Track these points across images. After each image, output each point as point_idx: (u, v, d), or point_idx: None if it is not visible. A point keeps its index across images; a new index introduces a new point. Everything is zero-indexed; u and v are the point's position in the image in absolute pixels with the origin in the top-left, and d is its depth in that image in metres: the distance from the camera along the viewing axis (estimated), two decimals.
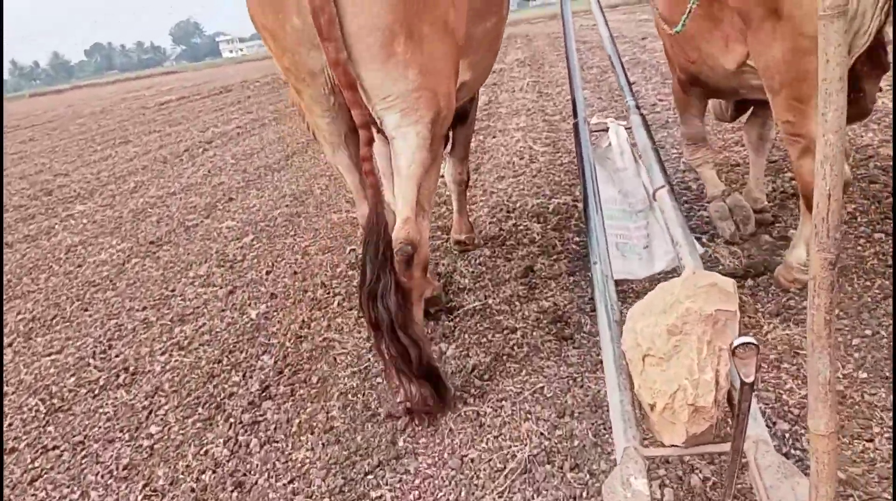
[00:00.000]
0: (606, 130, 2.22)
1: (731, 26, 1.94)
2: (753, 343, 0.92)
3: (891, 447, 1.54)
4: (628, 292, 2.45)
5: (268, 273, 3.40)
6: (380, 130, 1.87)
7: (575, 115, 2.22)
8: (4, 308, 3.47)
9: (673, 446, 1.18)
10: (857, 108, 2.20)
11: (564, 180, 3.98)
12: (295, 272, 3.37)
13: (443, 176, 2.73)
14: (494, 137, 5.67)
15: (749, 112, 2.86)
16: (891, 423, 1.62)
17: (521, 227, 3.40)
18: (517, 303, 2.61)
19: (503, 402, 2.01)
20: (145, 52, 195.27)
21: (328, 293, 3.02)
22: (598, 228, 1.75)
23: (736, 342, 0.92)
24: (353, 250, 3.40)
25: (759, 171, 2.89)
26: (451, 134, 2.85)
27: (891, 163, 3.18)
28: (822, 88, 0.87)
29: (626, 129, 2.21)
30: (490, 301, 2.67)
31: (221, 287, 3.30)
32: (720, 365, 1.15)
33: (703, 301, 1.17)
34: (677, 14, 2.11)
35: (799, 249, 2.16)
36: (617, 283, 1.64)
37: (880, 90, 2.29)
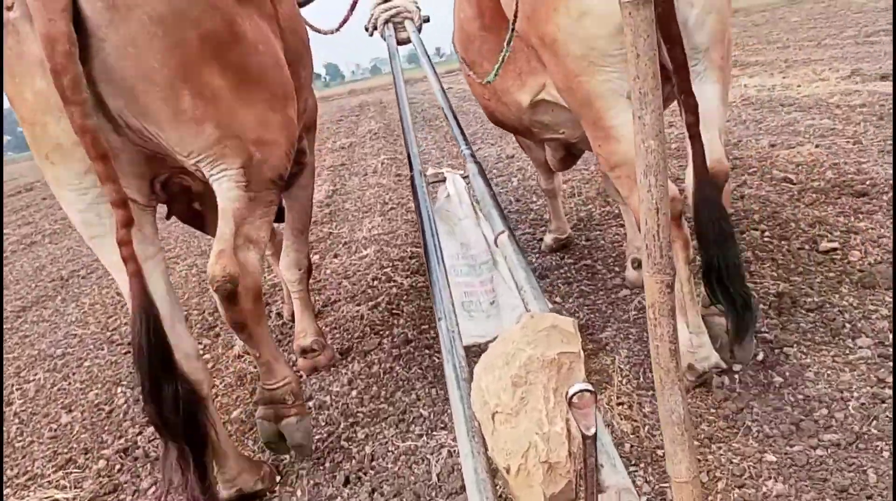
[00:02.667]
0: (444, 180, 2.20)
1: (524, 59, 1.92)
2: (590, 390, 0.86)
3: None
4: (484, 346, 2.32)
5: None
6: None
7: (411, 168, 2.19)
8: None
9: None
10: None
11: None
12: None
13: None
14: (337, 256, 3.94)
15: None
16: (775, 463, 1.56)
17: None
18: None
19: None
20: None
21: None
22: (440, 282, 1.70)
23: (571, 391, 0.87)
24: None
25: (632, 221, 2.88)
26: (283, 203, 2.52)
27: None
28: (635, 87, 0.81)
29: (463, 178, 2.21)
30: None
31: None
32: (570, 413, 1.01)
33: (544, 346, 1.12)
34: (482, 60, 2.15)
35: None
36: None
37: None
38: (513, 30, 1.53)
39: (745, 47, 9.86)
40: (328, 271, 3.69)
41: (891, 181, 2.88)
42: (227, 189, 1.59)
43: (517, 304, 1.79)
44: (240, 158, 1.60)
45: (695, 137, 1.46)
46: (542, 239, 3.13)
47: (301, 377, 2.41)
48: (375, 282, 3.28)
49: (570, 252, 3.15)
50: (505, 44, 1.58)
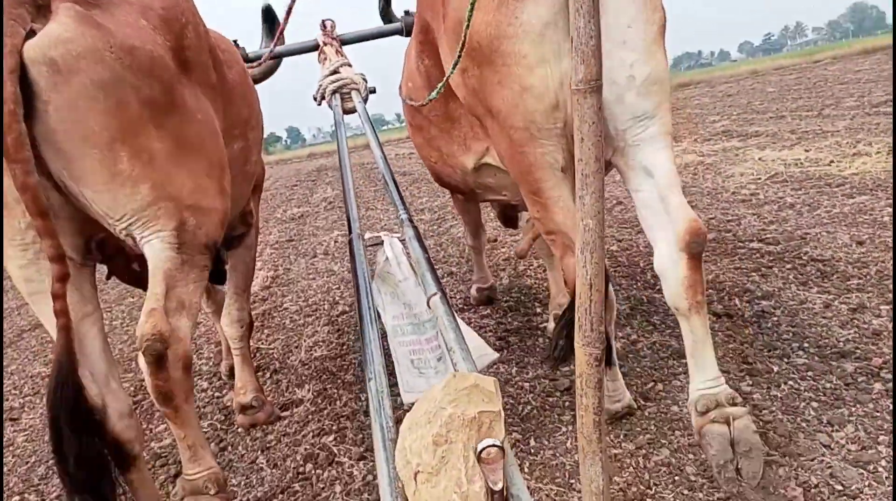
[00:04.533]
0: (382, 243, 2.29)
1: (468, 125, 2.11)
2: (498, 445, 0.95)
3: None
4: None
5: None
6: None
7: (350, 231, 2.31)
8: None
9: None
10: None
11: None
12: None
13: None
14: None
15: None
16: None
17: None
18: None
19: None
20: None
21: None
22: (372, 342, 1.74)
23: (480, 446, 0.96)
24: None
25: (558, 280, 3.06)
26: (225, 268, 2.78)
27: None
28: (579, 169, 0.90)
29: (400, 241, 2.30)
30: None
31: None
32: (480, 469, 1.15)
33: (465, 404, 1.17)
34: (428, 124, 2.36)
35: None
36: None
37: None
38: (460, 55, 1.61)
39: (730, 117, 9.78)
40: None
41: None
42: (158, 249, 1.67)
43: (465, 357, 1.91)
44: (173, 221, 1.69)
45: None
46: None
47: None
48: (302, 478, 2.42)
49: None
50: (450, 68, 1.66)
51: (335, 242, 6.56)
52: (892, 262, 2.42)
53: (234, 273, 2.73)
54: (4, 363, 4.25)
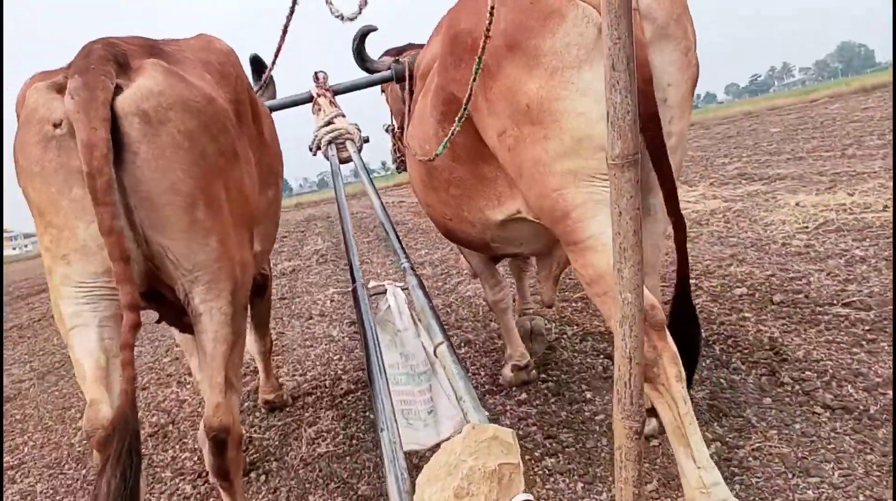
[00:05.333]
0: (384, 292, 2.29)
1: (506, 184, 2.16)
2: (530, 500, 0.99)
3: None
4: (426, 456, 2.14)
5: None
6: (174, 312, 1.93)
7: (353, 280, 2.33)
8: None
9: None
10: None
11: None
12: None
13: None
14: None
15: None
16: None
17: None
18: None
19: None
20: None
21: None
22: (382, 392, 1.78)
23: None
24: None
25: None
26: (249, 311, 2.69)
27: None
28: (616, 243, 0.92)
29: (403, 290, 2.31)
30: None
31: None
32: None
33: (485, 457, 1.21)
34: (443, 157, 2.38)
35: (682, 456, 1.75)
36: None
37: None
38: (465, 108, 1.78)
39: (741, 159, 9.65)
40: None
41: None
42: (217, 324, 1.78)
43: (455, 413, 1.98)
44: (231, 283, 1.80)
45: (683, 252, 1.77)
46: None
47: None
48: None
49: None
50: (456, 120, 1.83)
51: (331, 300, 6.21)
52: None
53: (256, 320, 3.17)
54: None
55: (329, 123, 3.24)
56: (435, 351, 1.93)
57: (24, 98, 1.77)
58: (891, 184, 5.39)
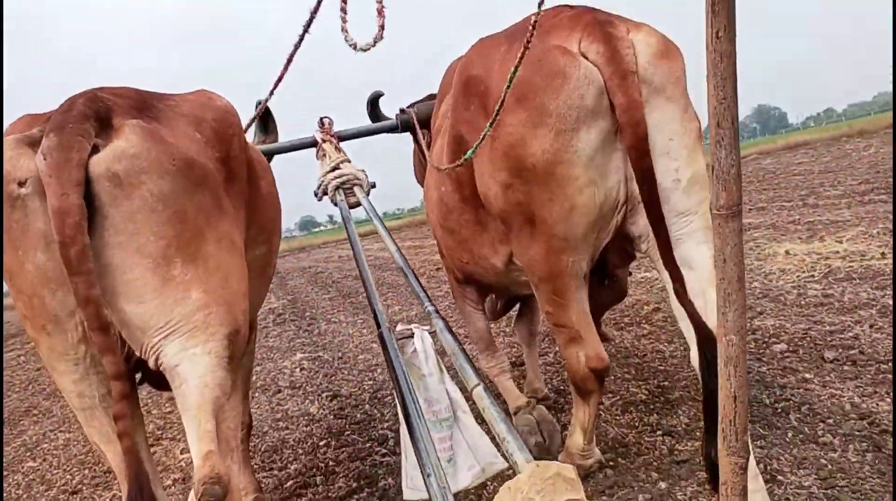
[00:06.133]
0: (411, 336, 2.27)
1: (496, 231, 2.30)
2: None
3: None
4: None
5: None
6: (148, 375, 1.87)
7: (378, 326, 2.29)
8: None
9: None
10: (615, 293, 2.66)
11: None
12: None
13: None
14: None
15: (518, 312, 3.44)
16: None
17: None
18: None
19: None
20: None
21: None
22: (425, 437, 1.76)
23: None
24: None
25: (534, 362, 3.38)
26: None
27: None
28: (721, 288, 0.97)
29: (430, 333, 2.29)
30: None
31: None
32: None
33: (552, 494, 1.21)
34: (460, 227, 2.48)
35: (576, 435, 2.39)
36: None
37: (630, 274, 2.89)
38: (496, 116, 1.73)
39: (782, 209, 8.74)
40: None
41: None
42: (205, 367, 1.64)
43: (473, 464, 2.01)
44: (226, 327, 1.70)
45: (685, 303, 1.81)
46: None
47: None
48: None
49: None
50: (487, 125, 1.79)
51: (301, 368, 5.52)
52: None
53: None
54: None
55: (335, 168, 3.19)
56: (471, 393, 1.92)
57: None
58: (874, 232, 5.49)
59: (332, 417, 3.98)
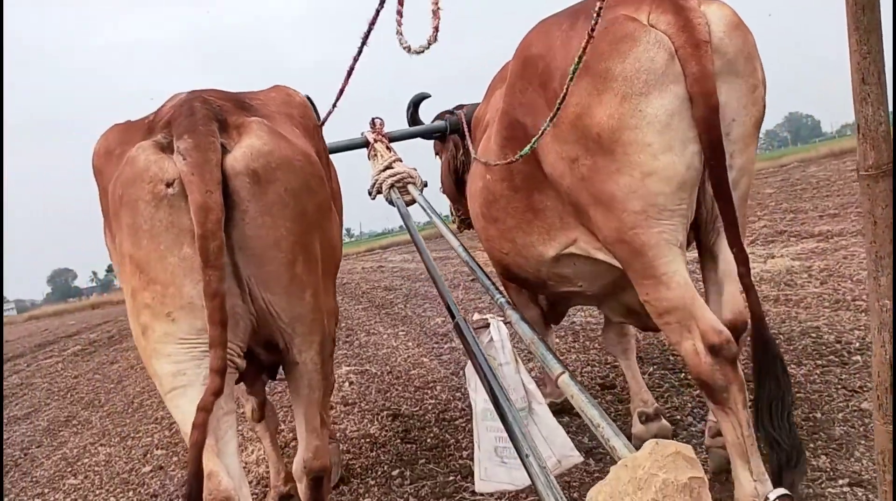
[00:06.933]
0: (488, 326, 2.28)
1: (556, 216, 2.24)
2: (788, 494, 1.09)
3: None
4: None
5: None
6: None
7: (452, 316, 2.29)
8: None
9: None
10: None
11: None
12: None
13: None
14: None
15: (604, 323, 3.26)
16: None
17: None
18: None
19: None
20: None
21: None
22: (515, 421, 1.79)
23: (772, 497, 1.11)
24: None
25: (634, 371, 3.10)
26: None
27: None
28: (872, 250, 0.95)
29: (506, 324, 2.30)
30: None
31: None
32: None
33: (675, 471, 1.23)
34: (505, 216, 2.44)
35: (739, 473, 1.85)
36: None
37: None
38: (558, 108, 1.73)
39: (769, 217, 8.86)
40: None
41: None
42: (311, 373, 1.85)
43: (550, 455, 1.99)
44: (320, 334, 1.86)
45: (748, 286, 1.78)
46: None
47: None
48: None
49: None
50: (547, 120, 1.79)
51: (349, 382, 5.12)
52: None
53: None
54: None
55: (388, 166, 3.25)
56: (557, 382, 1.92)
57: (104, 151, 1.87)
58: None
59: (398, 441, 3.59)
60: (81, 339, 13.71)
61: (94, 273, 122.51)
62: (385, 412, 4.13)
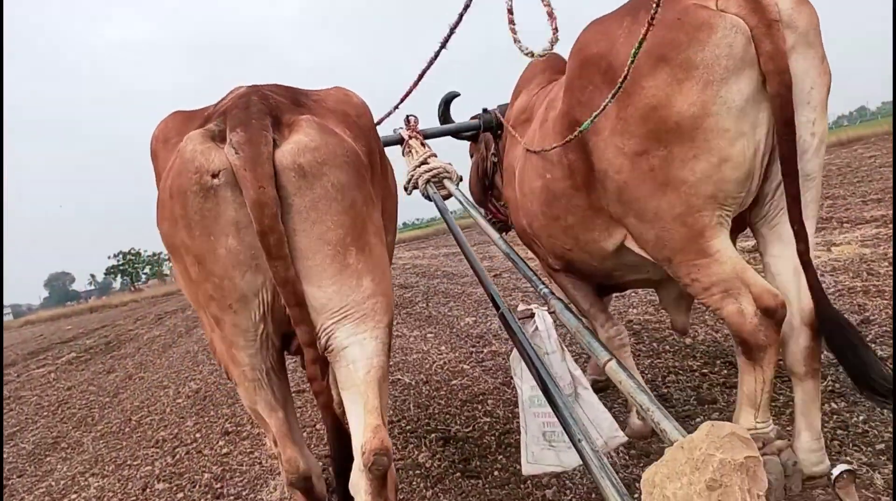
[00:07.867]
0: (532, 316, 2.35)
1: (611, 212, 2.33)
2: (851, 469, 1.10)
3: None
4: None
5: None
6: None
7: (497, 308, 2.35)
8: None
9: None
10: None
11: None
12: None
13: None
14: None
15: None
16: None
17: None
18: None
19: None
20: None
21: None
22: (565, 406, 1.81)
23: (835, 472, 1.12)
24: None
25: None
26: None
27: None
28: None
29: (550, 313, 2.35)
30: None
31: None
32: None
33: (731, 451, 1.26)
34: (566, 214, 2.49)
35: (743, 412, 2.07)
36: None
37: None
38: (620, 86, 1.83)
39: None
40: None
41: None
42: (372, 351, 1.83)
43: (596, 437, 2.04)
44: (387, 316, 1.88)
45: (807, 264, 1.85)
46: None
47: None
48: None
49: None
50: (610, 96, 1.87)
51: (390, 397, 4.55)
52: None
53: None
54: None
55: (424, 162, 3.31)
56: (604, 368, 1.95)
57: (162, 137, 1.91)
58: None
59: (457, 474, 3.00)
60: (77, 345, 13.56)
61: (93, 276, 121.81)
62: (433, 434, 3.57)
